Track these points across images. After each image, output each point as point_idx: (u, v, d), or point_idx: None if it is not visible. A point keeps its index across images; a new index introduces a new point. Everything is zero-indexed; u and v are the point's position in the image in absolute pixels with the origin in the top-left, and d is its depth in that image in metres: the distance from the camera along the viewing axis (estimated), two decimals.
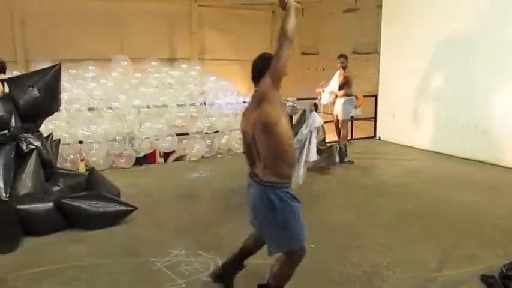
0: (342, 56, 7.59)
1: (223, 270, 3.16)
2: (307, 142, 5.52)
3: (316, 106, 6.30)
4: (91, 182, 5.07)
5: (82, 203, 4.49)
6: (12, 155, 4.48)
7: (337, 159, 7.27)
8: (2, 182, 4.31)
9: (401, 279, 3.46)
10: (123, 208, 4.69)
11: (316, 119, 5.78)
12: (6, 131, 4.54)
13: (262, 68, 2.66)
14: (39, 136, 4.89)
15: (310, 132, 5.60)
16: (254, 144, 2.67)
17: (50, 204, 4.40)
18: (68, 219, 4.47)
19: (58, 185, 4.82)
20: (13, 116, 4.61)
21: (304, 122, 5.78)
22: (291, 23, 2.57)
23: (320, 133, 6.51)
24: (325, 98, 7.56)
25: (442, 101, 8.00)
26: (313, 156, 5.64)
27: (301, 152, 5.43)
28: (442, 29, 7.87)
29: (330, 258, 3.81)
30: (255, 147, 2.68)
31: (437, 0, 8.02)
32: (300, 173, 5.23)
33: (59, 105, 5.22)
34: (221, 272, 3.17)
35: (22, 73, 5.86)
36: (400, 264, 3.69)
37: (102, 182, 5.20)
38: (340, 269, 3.63)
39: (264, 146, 2.61)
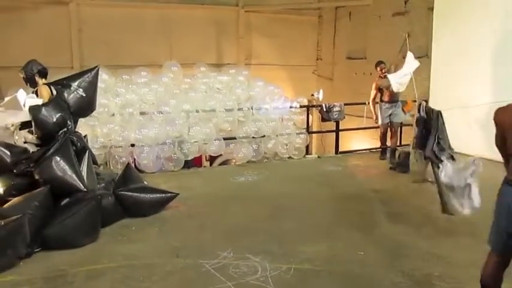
0: (382, 62, 7.48)
1: None
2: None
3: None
4: (127, 175, 5.38)
5: (134, 193, 5.00)
6: (73, 153, 4.67)
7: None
8: (76, 176, 4.51)
9: None
10: (168, 195, 5.24)
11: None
12: (65, 129, 4.73)
13: None
14: (80, 136, 5.09)
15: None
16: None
17: (112, 198, 4.82)
18: (124, 208, 4.90)
19: (102, 182, 5.06)
20: (68, 115, 4.82)
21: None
22: None
23: None
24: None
25: (499, 106, 7.64)
26: None
27: None
28: (498, 31, 7.56)
29: (380, 267, 3.75)
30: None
31: (492, 2, 7.72)
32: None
33: (95, 106, 5.43)
34: None
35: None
36: (452, 275, 3.58)
37: (136, 175, 5.62)
38: (392, 278, 3.55)
39: None
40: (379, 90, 7.62)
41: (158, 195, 5.19)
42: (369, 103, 7.94)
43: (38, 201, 4.18)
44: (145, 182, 5.56)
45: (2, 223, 3.81)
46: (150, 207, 5.06)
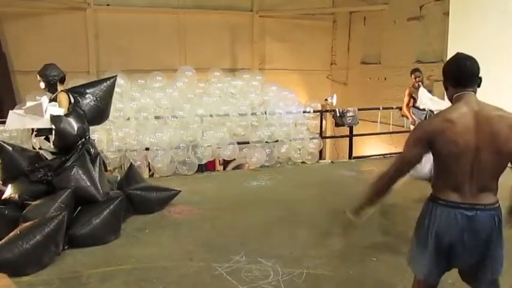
0: (418, 70, 7.31)
1: None
2: None
3: None
4: (130, 176, 5.58)
5: (142, 192, 5.32)
6: (89, 161, 4.74)
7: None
8: (94, 186, 4.60)
9: None
10: (171, 192, 5.55)
11: None
12: (83, 139, 4.74)
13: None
14: (94, 143, 5.14)
15: None
16: (476, 163, 2.36)
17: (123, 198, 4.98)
18: (134, 206, 5.17)
19: (110, 185, 5.15)
20: (86, 124, 4.84)
21: None
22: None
23: None
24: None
25: None
26: None
27: None
28: None
29: (393, 272, 3.72)
30: (475, 166, 2.37)
31: (510, 6, 7.63)
32: None
33: (108, 115, 5.44)
34: None
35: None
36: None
37: (139, 175, 5.89)
38: (405, 284, 3.52)
39: (493, 166, 2.38)
40: (412, 96, 7.45)
41: (163, 192, 5.49)
42: (401, 108, 7.77)
43: (62, 202, 4.27)
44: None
45: (45, 221, 3.94)
46: (156, 204, 5.36)
